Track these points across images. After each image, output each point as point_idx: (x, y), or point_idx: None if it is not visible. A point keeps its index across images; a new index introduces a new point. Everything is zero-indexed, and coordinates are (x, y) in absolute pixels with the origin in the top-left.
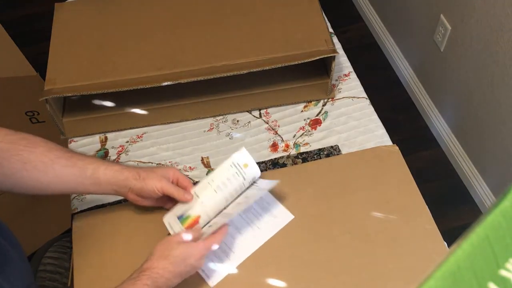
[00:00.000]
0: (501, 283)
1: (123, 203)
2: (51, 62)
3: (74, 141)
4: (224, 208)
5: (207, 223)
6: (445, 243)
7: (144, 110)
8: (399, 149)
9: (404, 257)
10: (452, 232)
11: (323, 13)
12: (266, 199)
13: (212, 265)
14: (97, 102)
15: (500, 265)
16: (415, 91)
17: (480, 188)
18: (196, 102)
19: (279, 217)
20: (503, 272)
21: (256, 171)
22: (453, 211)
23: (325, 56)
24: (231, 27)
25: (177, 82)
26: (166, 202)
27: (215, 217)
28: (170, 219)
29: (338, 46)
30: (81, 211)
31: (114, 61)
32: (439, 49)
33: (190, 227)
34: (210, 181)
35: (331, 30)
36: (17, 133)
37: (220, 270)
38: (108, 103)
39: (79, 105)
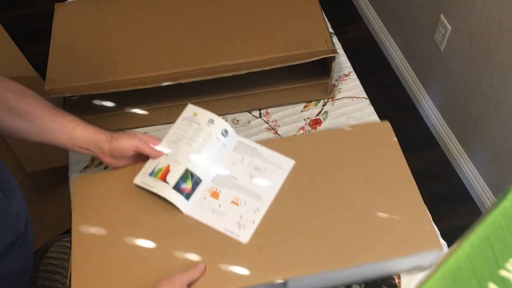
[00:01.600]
0: (501, 283)
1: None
2: (51, 62)
3: None
4: (195, 153)
5: (197, 179)
6: (445, 243)
7: (144, 110)
8: None
9: (389, 226)
10: (452, 232)
11: (323, 13)
12: (263, 153)
13: (239, 223)
14: (97, 102)
15: (500, 265)
16: (415, 91)
17: (480, 188)
18: (196, 102)
19: (282, 164)
20: (503, 272)
21: (209, 114)
22: (453, 211)
23: (325, 56)
24: (231, 27)
25: (177, 82)
26: (132, 162)
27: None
28: (142, 178)
29: (338, 46)
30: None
31: (114, 61)
32: (439, 49)
33: (162, 177)
34: (169, 138)
35: (331, 30)
36: (10, 81)
37: (249, 226)
38: (108, 103)
39: (79, 105)
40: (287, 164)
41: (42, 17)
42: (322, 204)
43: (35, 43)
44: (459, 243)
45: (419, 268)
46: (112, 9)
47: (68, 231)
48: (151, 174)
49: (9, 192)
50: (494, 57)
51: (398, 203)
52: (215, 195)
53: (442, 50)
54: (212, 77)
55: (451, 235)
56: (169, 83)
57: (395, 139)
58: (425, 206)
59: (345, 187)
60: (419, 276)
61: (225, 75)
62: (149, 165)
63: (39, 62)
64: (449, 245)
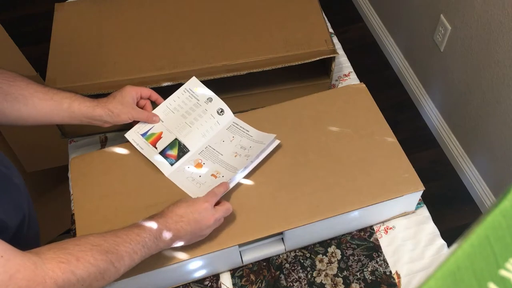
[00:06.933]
0: (501, 283)
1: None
2: (51, 62)
3: (74, 141)
4: (188, 126)
5: (185, 151)
6: (445, 243)
7: None
8: None
9: (374, 174)
10: (452, 232)
11: (323, 13)
12: (253, 135)
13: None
14: None
15: (500, 265)
16: (415, 91)
17: (480, 188)
18: None
19: (266, 143)
20: (503, 272)
21: (209, 93)
22: (453, 211)
23: (325, 56)
24: (231, 27)
25: (177, 82)
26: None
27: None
28: (133, 136)
29: (338, 46)
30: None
31: (114, 61)
32: (439, 49)
33: (153, 142)
34: (168, 105)
35: (331, 30)
36: None
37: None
38: None
39: None
40: (272, 143)
41: (42, 17)
42: (309, 161)
43: (35, 43)
44: (459, 243)
45: (405, 214)
46: (112, 9)
47: (68, 231)
48: (144, 134)
49: (10, 167)
50: (494, 57)
51: (380, 153)
52: (198, 165)
53: (442, 50)
54: (212, 77)
55: (451, 235)
56: (169, 83)
57: (370, 96)
58: (403, 152)
59: (330, 143)
60: (419, 276)
61: (225, 75)
62: (143, 124)
63: (39, 62)
64: (449, 245)
